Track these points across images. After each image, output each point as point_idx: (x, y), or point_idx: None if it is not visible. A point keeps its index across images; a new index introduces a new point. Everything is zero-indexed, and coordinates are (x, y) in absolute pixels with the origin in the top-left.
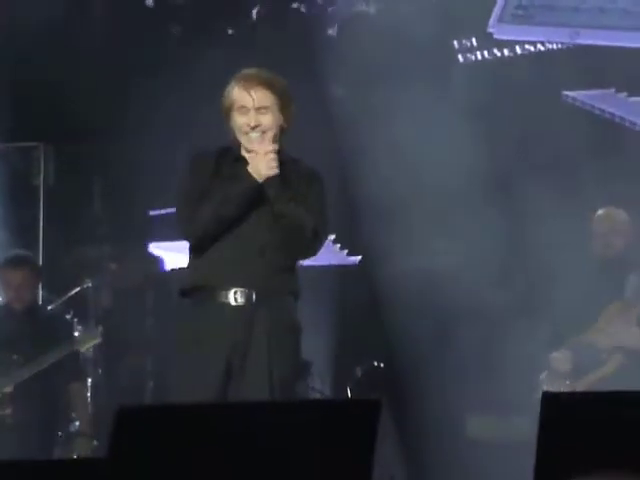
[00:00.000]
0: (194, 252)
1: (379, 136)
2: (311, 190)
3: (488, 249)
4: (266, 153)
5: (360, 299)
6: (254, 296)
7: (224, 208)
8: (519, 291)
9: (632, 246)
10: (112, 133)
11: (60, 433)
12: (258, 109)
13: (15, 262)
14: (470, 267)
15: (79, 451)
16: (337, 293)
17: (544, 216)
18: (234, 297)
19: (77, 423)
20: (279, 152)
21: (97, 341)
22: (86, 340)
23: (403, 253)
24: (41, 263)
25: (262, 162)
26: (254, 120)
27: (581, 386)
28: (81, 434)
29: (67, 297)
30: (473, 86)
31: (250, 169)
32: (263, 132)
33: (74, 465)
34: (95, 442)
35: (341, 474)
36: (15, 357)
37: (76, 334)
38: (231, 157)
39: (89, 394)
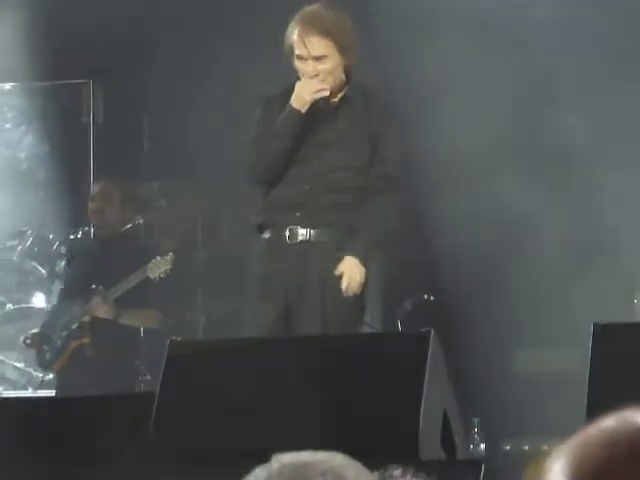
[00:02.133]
0: (262, 190)
1: None
2: (386, 131)
3: (537, 179)
4: (311, 77)
5: (410, 233)
6: (308, 233)
7: (274, 142)
8: (570, 221)
9: None
10: (161, 71)
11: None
12: (316, 58)
13: None
14: (528, 207)
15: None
16: None
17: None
18: (288, 235)
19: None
20: (346, 85)
21: (168, 267)
22: (159, 266)
23: (455, 192)
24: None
25: (306, 87)
26: (312, 69)
27: None
28: None
29: (119, 233)
30: None
31: (294, 98)
32: (322, 81)
33: (125, 399)
34: (149, 376)
35: (393, 404)
36: (94, 286)
37: (151, 262)
38: None
39: (142, 329)
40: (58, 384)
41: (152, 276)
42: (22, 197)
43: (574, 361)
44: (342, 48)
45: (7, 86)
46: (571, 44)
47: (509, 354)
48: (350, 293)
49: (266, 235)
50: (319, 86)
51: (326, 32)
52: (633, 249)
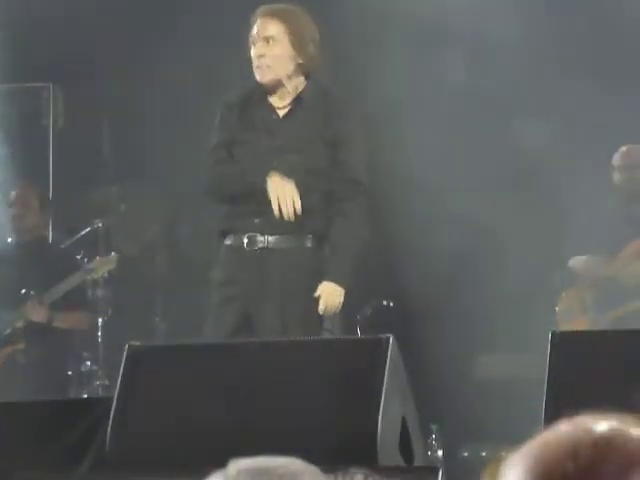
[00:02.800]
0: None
1: None
2: (347, 134)
3: (501, 186)
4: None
5: (370, 239)
6: (266, 240)
7: (232, 187)
8: (533, 229)
9: None
10: (123, 74)
11: (70, 372)
12: (264, 38)
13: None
14: (483, 206)
15: (90, 390)
16: None
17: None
18: (247, 242)
19: (88, 362)
20: (299, 96)
21: (112, 266)
22: (102, 266)
23: (415, 195)
24: (51, 204)
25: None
26: (259, 49)
27: (605, 321)
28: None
29: (78, 237)
30: None
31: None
32: (268, 66)
33: (83, 404)
34: (106, 381)
35: (351, 409)
36: (24, 291)
37: (92, 263)
38: (257, 97)
39: (100, 333)
40: None
41: (96, 276)
42: None
43: (531, 367)
44: (295, 39)
45: None
46: (532, 55)
47: (467, 360)
48: (327, 315)
49: (227, 241)
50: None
51: (279, 16)
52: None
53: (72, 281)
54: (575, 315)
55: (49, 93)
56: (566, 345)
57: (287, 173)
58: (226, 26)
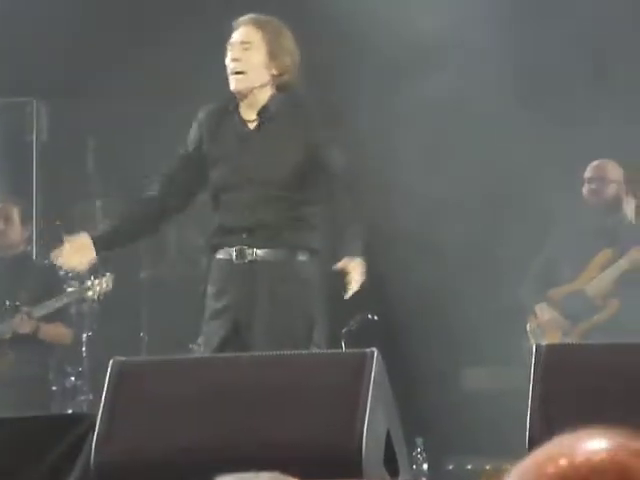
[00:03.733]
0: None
1: None
2: (323, 140)
3: (483, 205)
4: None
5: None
6: (254, 252)
7: None
8: (514, 246)
9: (623, 200)
10: (106, 90)
11: (55, 387)
12: (242, 43)
13: None
14: (466, 225)
15: (74, 405)
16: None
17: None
18: (236, 255)
19: (72, 378)
20: (266, 107)
21: (109, 287)
22: (97, 286)
23: (399, 211)
24: (34, 218)
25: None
26: (235, 53)
27: (576, 334)
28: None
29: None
30: None
31: None
32: (242, 71)
33: (68, 420)
34: (91, 396)
35: (336, 423)
36: (8, 303)
37: (88, 282)
38: (229, 110)
39: (84, 349)
40: None
41: (92, 295)
42: None
43: (515, 379)
44: (272, 48)
45: None
46: (510, 78)
47: (452, 374)
48: (352, 291)
49: (218, 255)
50: None
51: (259, 24)
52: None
53: (65, 299)
54: (548, 328)
55: (32, 108)
56: (550, 357)
57: (263, 186)
58: (210, 42)
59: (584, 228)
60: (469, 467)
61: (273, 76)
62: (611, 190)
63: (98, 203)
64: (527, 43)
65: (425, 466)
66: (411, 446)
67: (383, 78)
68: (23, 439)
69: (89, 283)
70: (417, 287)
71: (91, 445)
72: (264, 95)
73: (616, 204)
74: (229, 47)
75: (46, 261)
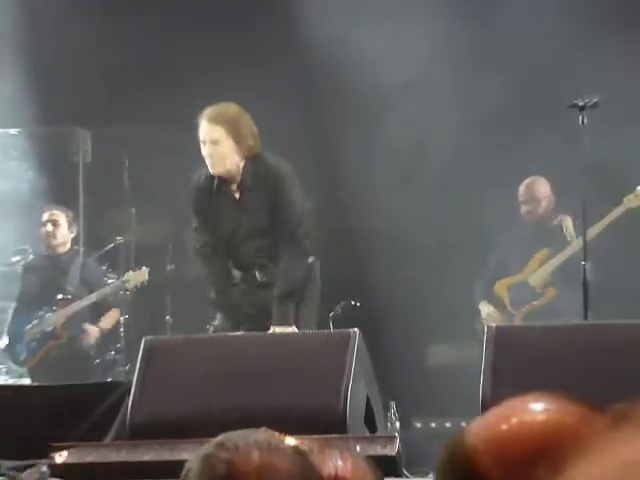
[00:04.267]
0: None
1: None
2: (281, 198)
3: (447, 212)
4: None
5: (340, 252)
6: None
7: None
8: (470, 249)
9: (553, 208)
10: (138, 118)
11: (97, 361)
12: (210, 141)
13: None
14: (433, 230)
15: (114, 375)
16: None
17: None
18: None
19: (112, 352)
20: (242, 179)
21: (144, 279)
22: (135, 278)
23: (379, 222)
24: (81, 223)
25: None
26: (207, 150)
27: (519, 316)
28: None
29: (103, 251)
30: None
31: None
32: (217, 163)
33: (108, 387)
34: (127, 367)
35: (324, 390)
36: (61, 296)
37: (127, 275)
38: (218, 182)
39: (122, 329)
40: (33, 379)
41: (129, 287)
42: (24, 221)
43: (471, 354)
44: (236, 137)
45: (12, 131)
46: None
47: (421, 350)
48: None
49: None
50: None
51: (220, 122)
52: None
53: (107, 291)
54: (493, 313)
55: (78, 134)
56: (498, 336)
57: (247, 239)
58: (229, 87)
59: (526, 233)
60: (433, 425)
61: (243, 155)
62: (543, 205)
63: (132, 210)
64: (478, 85)
65: (397, 424)
66: (386, 408)
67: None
68: (72, 402)
69: (127, 276)
70: (393, 279)
71: (127, 408)
72: (237, 169)
73: (549, 214)
74: (201, 142)
75: (90, 258)
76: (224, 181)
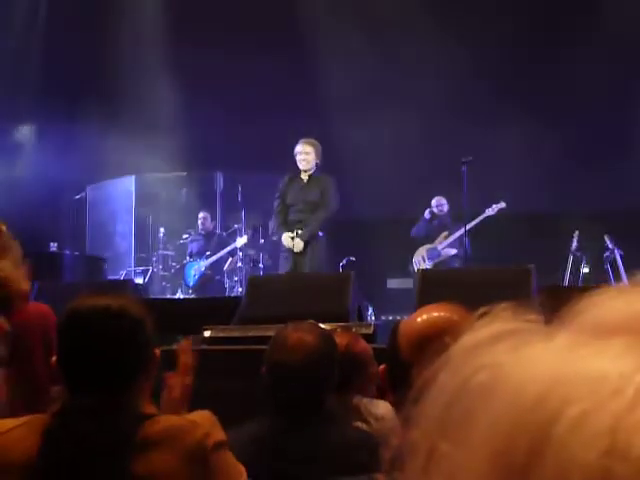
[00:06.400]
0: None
1: None
2: (327, 189)
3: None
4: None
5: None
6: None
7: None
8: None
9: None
10: (257, 164)
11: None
12: (304, 153)
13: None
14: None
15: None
16: None
17: None
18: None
19: (235, 278)
20: (311, 174)
21: (245, 242)
22: (240, 241)
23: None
24: (218, 219)
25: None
26: (302, 156)
27: (431, 265)
28: None
29: (229, 231)
30: None
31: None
32: (305, 164)
33: (231, 299)
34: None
35: (334, 303)
36: (208, 252)
37: (238, 238)
38: (296, 174)
39: (241, 265)
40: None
41: (239, 246)
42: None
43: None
44: (316, 154)
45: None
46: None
47: (385, 280)
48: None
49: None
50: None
51: (310, 144)
52: None
53: (229, 247)
54: (420, 263)
55: (218, 178)
56: (425, 275)
57: (307, 205)
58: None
59: (436, 225)
60: (399, 318)
61: (316, 162)
62: (445, 210)
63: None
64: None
65: (373, 317)
66: (367, 309)
67: None
68: (211, 308)
69: (238, 240)
70: (375, 242)
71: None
72: (311, 169)
73: (445, 214)
74: (298, 152)
75: (224, 234)
76: (300, 173)
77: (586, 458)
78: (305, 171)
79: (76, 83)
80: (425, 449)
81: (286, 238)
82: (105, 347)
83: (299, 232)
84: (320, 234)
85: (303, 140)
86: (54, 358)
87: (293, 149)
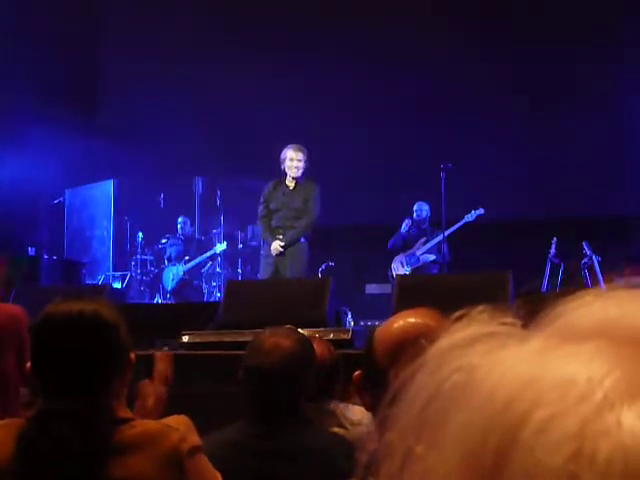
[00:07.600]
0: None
1: None
2: (311, 196)
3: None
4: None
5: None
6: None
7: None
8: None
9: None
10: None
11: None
12: (297, 160)
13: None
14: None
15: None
16: None
17: None
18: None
19: (214, 283)
20: (297, 182)
21: (224, 248)
22: (219, 247)
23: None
24: (197, 225)
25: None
26: (294, 164)
27: (410, 270)
28: None
29: (208, 236)
30: None
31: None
32: (296, 171)
33: (209, 305)
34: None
35: (312, 308)
36: (187, 257)
37: (217, 245)
38: (282, 181)
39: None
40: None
41: (218, 251)
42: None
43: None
44: (306, 161)
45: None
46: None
47: (363, 285)
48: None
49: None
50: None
51: (301, 150)
52: None
53: (208, 253)
54: (399, 268)
55: (197, 182)
56: (402, 281)
57: (291, 211)
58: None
59: (414, 234)
60: (376, 324)
61: (304, 169)
62: (423, 215)
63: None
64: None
65: (352, 322)
66: (345, 314)
67: None
68: (189, 313)
69: (217, 246)
70: (354, 248)
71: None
72: (300, 176)
73: (423, 219)
74: (290, 159)
75: (203, 238)
76: (286, 180)
77: (552, 462)
78: (293, 178)
79: (55, 86)
80: (401, 451)
81: (275, 246)
82: (79, 351)
83: (280, 237)
84: (302, 240)
85: (295, 146)
86: (29, 364)
87: (272, 153)
